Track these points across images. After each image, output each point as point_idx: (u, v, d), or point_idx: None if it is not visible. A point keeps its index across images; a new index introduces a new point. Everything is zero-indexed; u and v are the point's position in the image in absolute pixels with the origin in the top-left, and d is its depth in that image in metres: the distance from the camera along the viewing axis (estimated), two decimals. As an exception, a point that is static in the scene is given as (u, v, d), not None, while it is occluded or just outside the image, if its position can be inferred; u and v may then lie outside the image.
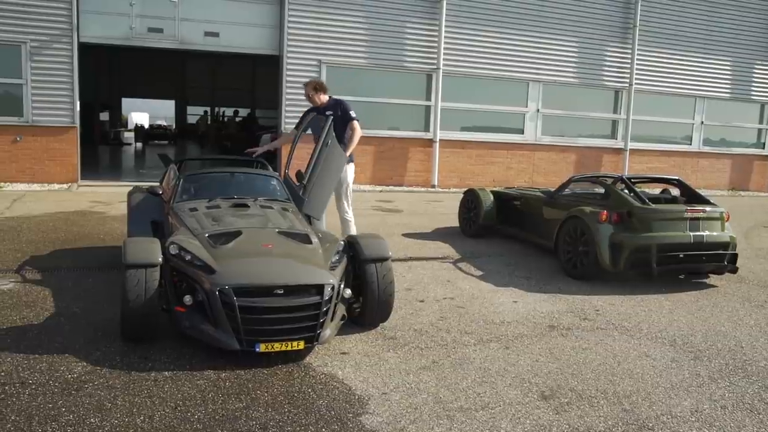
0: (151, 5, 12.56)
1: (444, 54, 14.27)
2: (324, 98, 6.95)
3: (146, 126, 37.36)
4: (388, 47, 14.03)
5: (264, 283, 4.07)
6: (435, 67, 14.29)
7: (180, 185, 5.78)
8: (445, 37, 14.21)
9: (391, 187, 14.11)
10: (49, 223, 8.42)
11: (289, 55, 13.18)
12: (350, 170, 6.96)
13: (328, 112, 6.73)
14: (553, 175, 15.56)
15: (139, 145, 31.72)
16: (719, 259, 6.75)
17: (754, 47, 17.27)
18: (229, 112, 32.78)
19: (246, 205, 5.45)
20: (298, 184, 6.02)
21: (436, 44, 14.24)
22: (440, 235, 8.94)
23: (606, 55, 15.91)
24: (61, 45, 11.94)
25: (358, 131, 6.84)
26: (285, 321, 4.03)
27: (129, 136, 34.29)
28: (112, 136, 29.76)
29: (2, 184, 11.77)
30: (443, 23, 14.13)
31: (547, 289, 6.35)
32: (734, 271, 6.86)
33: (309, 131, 6.87)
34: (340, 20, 13.58)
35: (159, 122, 41.31)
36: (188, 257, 4.31)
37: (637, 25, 15.72)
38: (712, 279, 7.05)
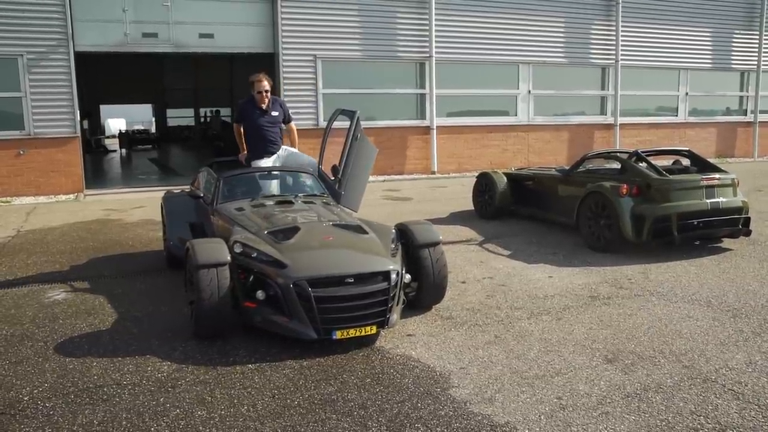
0: (144, 10, 12.55)
1: (435, 42, 14.45)
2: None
3: (125, 132, 36.95)
4: (381, 38, 14.18)
5: (336, 273, 4.26)
6: (427, 55, 14.47)
7: (220, 186, 5.93)
8: (435, 25, 14.39)
9: (393, 176, 14.31)
10: (72, 234, 8.50)
11: (284, 52, 13.26)
12: None
13: (274, 113, 6.69)
14: (548, 154, 15.90)
15: (124, 151, 31.44)
16: (734, 223, 7.08)
17: (732, 17, 17.72)
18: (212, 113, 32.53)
19: (290, 202, 5.63)
20: (333, 179, 6.21)
21: (427, 33, 14.42)
22: (457, 219, 9.18)
23: (591, 33, 16.22)
24: (57, 55, 11.92)
25: (295, 130, 7.14)
26: (357, 308, 4.23)
27: (111, 142, 33.91)
28: (93, 144, 29.48)
29: (9, 198, 11.76)
30: (433, 11, 14.30)
31: (575, 263, 6.63)
32: (748, 234, 7.20)
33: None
34: (333, 14, 13.69)
35: (137, 127, 40.83)
36: (254, 254, 4.49)
37: (620, 1, 16.03)
38: (726, 242, 7.39)
